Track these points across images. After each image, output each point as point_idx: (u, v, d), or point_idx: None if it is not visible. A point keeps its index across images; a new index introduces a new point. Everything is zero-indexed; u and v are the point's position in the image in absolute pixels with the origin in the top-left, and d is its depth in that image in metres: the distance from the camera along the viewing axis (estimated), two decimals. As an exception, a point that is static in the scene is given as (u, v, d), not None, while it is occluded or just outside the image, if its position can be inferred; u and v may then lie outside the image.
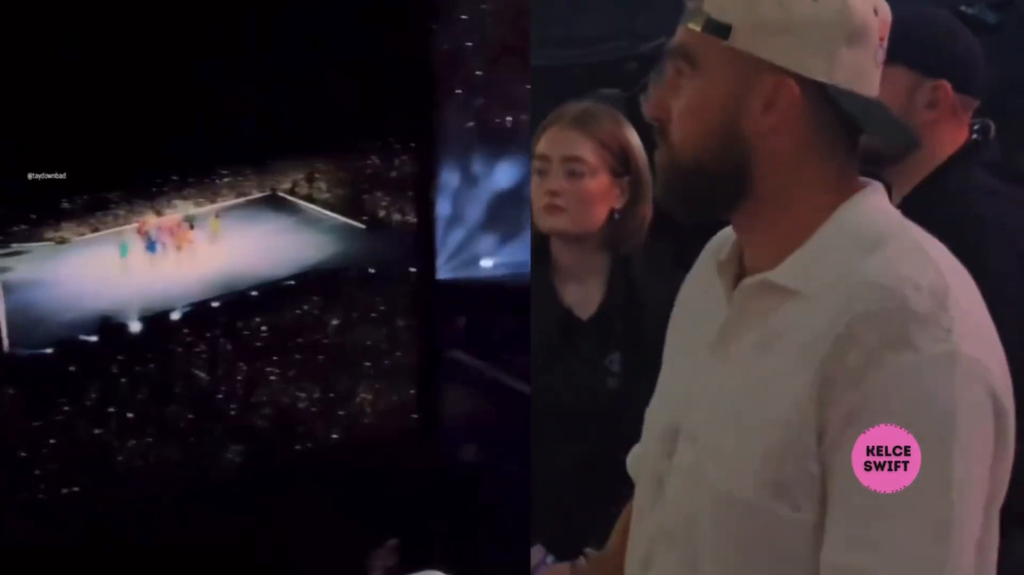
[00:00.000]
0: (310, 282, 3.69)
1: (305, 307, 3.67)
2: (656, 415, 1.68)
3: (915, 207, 2.38)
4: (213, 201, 3.68)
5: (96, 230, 3.47)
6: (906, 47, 2.46)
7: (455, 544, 3.55)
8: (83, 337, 3.34)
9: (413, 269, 3.81)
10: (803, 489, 1.43)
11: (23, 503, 3.21)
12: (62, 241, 3.41)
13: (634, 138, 2.65)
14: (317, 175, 3.86)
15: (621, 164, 2.65)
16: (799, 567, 1.44)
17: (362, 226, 3.84)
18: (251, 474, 3.52)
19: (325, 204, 3.86)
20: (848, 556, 1.39)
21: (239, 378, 3.57)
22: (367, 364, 3.77)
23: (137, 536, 3.34)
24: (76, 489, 3.28)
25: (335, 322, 3.72)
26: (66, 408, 3.29)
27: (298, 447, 3.62)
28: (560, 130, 2.66)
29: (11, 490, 3.20)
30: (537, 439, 2.63)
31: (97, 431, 3.32)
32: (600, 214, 2.65)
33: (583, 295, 2.68)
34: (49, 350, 3.29)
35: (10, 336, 3.25)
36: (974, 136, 2.52)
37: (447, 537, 3.61)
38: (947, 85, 2.45)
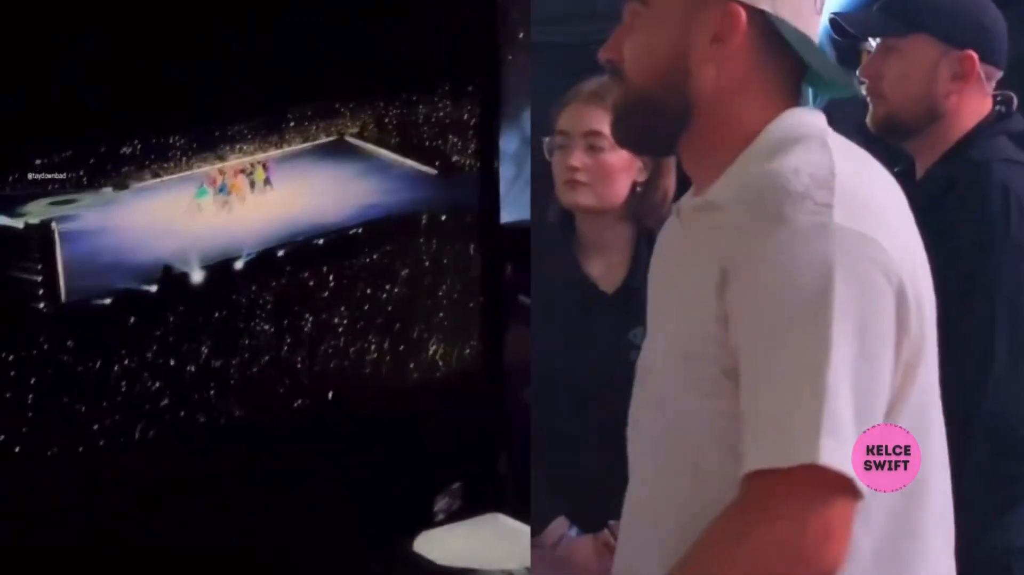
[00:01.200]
0: (379, 230, 3.56)
1: (374, 256, 3.54)
2: (637, 364, 1.77)
3: (939, 178, 2.45)
4: (279, 147, 3.56)
5: (157, 176, 3.36)
6: (932, 17, 2.50)
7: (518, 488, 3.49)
8: (143, 287, 3.24)
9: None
10: (713, 377, 1.51)
11: (82, 455, 3.11)
12: (122, 187, 3.30)
13: None
14: (386, 120, 3.71)
15: None
16: (713, 456, 1.51)
17: (433, 172, 3.70)
18: (317, 424, 3.44)
19: (394, 149, 3.71)
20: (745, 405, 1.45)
21: (305, 329, 3.45)
22: (440, 315, 3.64)
23: (205, 488, 3.27)
24: (135, 441, 3.19)
25: (405, 271, 3.59)
26: (126, 361, 3.19)
27: (364, 396, 3.52)
28: (580, 105, 2.76)
29: (70, 442, 3.11)
30: (557, 411, 2.66)
31: (156, 384, 3.23)
32: (622, 188, 2.68)
33: (607, 269, 2.73)
34: (107, 300, 3.20)
35: (67, 286, 3.16)
36: (997, 107, 2.57)
37: (510, 481, 3.54)
38: (974, 55, 2.49)
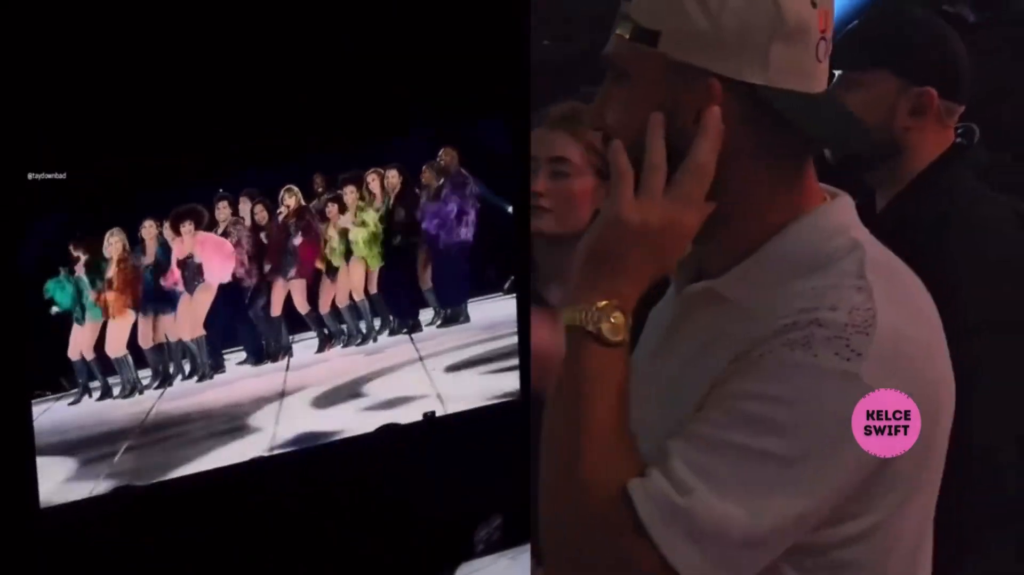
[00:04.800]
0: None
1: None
2: None
3: (900, 211, 2.40)
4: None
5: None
6: (892, 53, 2.48)
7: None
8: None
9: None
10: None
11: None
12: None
13: None
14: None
15: (608, 165, 2.62)
16: None
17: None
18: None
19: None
20: (684, 472, 1.40)
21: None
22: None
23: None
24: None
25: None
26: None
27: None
28: (546, 131, 2.63)
29: None
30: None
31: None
32: (585, 215, 2.58)
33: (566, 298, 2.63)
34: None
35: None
36: (959, 140, 2.49)
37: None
38: (933, 92, 2.43)
